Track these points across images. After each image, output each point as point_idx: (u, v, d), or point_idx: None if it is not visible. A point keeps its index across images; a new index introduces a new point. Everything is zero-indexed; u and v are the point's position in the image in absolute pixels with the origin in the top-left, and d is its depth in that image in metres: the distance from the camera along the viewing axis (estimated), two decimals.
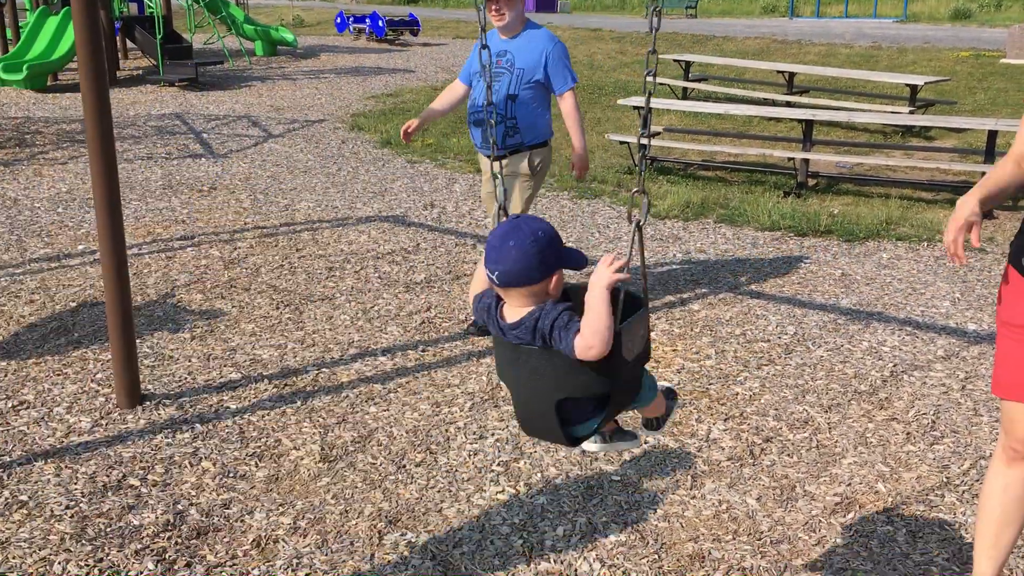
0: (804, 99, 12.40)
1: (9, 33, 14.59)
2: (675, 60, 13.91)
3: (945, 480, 3.28)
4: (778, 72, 13.08)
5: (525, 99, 4.46)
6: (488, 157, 4.05)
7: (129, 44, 16.56)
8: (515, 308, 1.98)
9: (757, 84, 14.08)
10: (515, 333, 1.97)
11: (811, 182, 8.28)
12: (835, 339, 4.55)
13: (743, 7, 35.34)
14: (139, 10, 16.41)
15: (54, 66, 12.99)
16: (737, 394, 3.95)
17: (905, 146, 10.11)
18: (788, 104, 12.05)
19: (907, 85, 11.32)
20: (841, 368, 4.21)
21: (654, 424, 2.51)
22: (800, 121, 8.59)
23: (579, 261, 2.05)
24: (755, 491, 3.21)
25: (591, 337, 1.83)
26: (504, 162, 4.41)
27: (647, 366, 2.28)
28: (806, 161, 8.16)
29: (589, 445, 2.37)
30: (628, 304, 2.03)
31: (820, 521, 3.03)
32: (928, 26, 25.30)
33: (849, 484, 3.25)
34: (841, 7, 31.69)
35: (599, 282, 1.84)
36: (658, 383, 2.43)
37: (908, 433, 3.61)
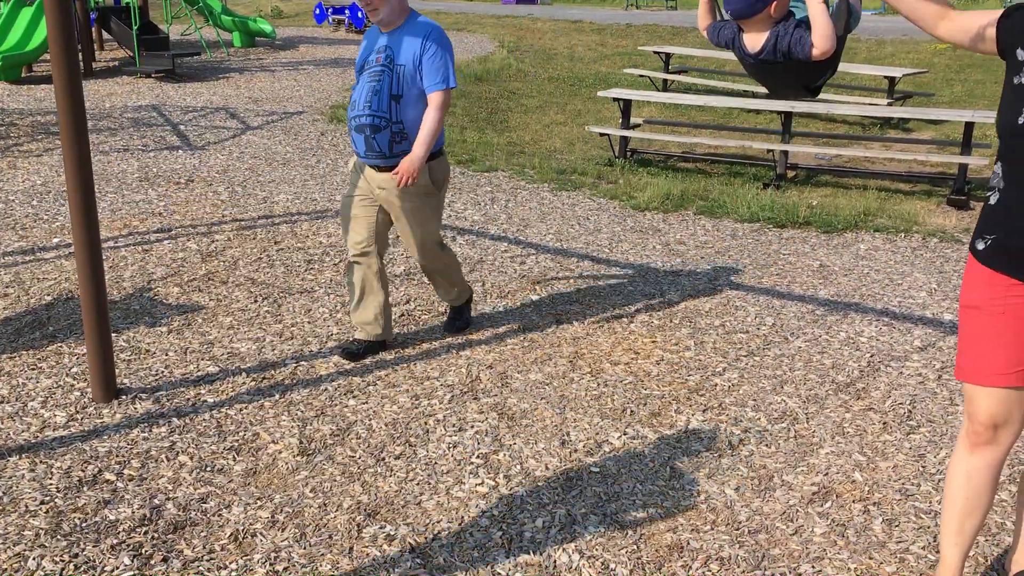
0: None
1: None
2: (655, 52, 13.91)
3: (921, 469, 3.30)
4: None
5: (411, 100, 3.87)
6: (375, 168, 3.94)
7: (105, 35, 16.39)
8: (754, 35, 2.83)
9: (737, 76, 14.11)
10: (761, 58, 2.81)
11: (790, 174, 8.32)
12: (813, 330, 4.57)
13: None
14: (115, 0, 16.24)
15: (28, 57, 12.83)
16: (716, 385, 3.96)
17: (883, 138, 10.17)
18: (768, 96, 12.10)
19: (885, 77, 11.39)
20: (819, 359, 4.23)
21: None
22: (779, 113, 8.62)
23: None
24: (733, 481, 3.22)
25: (824, 42, 2.65)
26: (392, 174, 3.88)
27: None
28: (785, 153, 8.20)
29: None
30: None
31: (797, 511, 3.05)
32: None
33: (826, 474, 3.27)
34: None
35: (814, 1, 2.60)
36: None
37: (885, 423, 3.63)
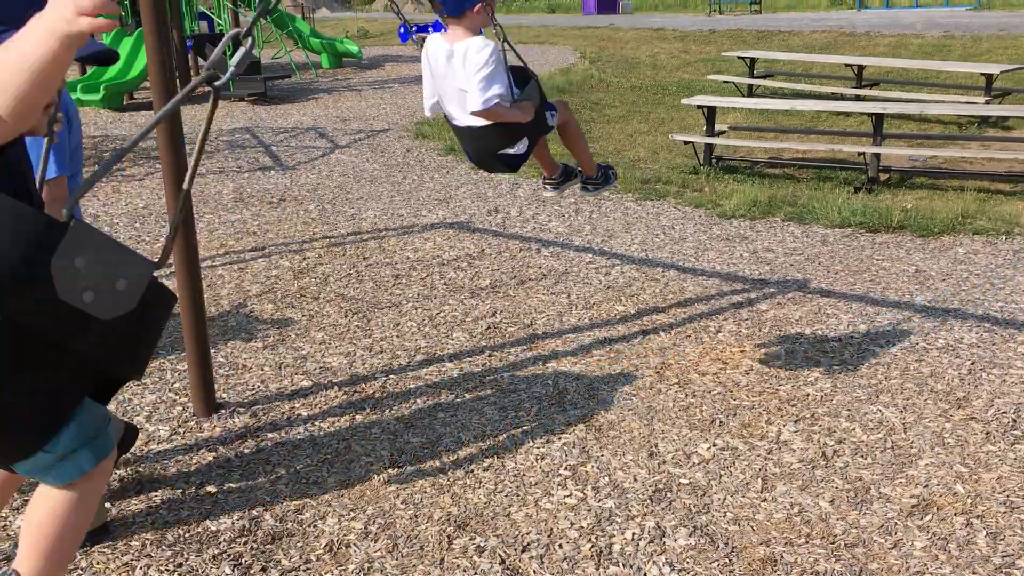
0: (874, 92, 12.15)
1: None
2: (739, 57, 13.73)
3: None
4: (846, 65, 12.83)
5: None
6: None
7: (200, 61, 17.00)
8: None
9: (825, 79, 13.82)
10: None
11: (883, 177, 8.11)
12: (910, 337, 4.44)
13: (809, 1, 34.72)
14: (209, 28, 16.86)
15: (129, 85, 13.41)
16: (808, 395, 3.89)
17: (981, 137, 9.82)
18: (857, 98, 11.82)
19: (982, 74, 11.00)
20: (916, 367, 4.11)
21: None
22: (870, 115, 8.41)
23: None
24: (828, 493, 3.15)
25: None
26: None
27: None
28: (877, 155, 7.99)
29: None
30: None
31: (896, 523, 2.97)
32: (1004, 13, 24.51)
33: (926, 486, 3.17)
34: None
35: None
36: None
37: (987, 433, 3.50)
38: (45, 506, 1.76)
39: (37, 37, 1.44)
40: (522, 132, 3.55)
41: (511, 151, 3.59)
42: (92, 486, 1.80)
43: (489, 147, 3.59)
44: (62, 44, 1.44)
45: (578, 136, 3.99)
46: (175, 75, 3.66)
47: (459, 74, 3.41)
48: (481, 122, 3.44)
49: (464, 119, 3.50)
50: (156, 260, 1.70)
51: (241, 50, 1.73)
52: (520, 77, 3.60)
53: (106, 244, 1.63)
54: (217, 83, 1.73)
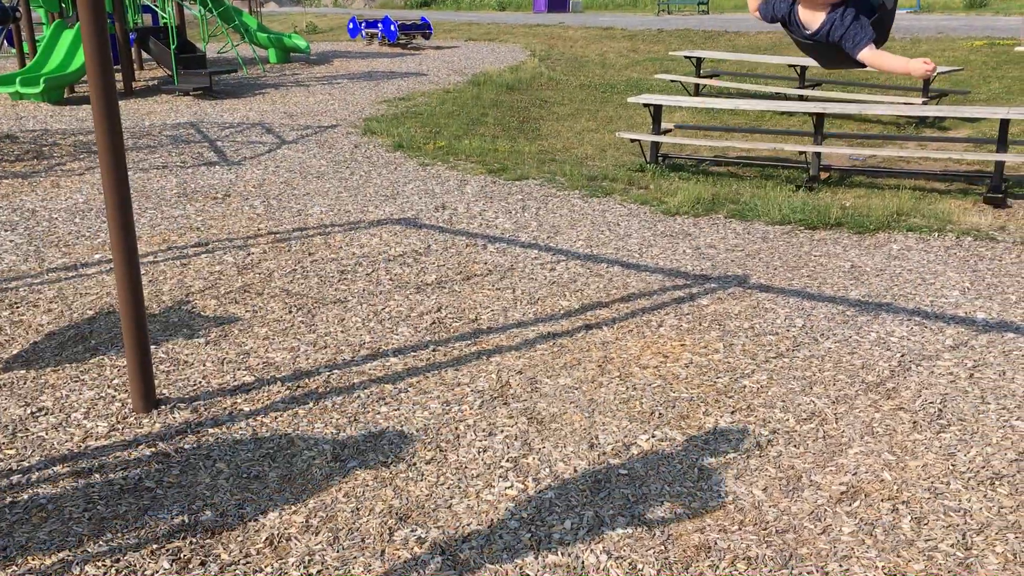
0: (816, 92, 12.38)
1: (26, 47, 14.78)
2: (686, 57, 13.90)
3: (951, 468, 3.29)
4: (790, 66, 13.05)
5: None
6: None
7: (144, 55, 16.73)
8: (810, 12, 2.80)
9: (769, 79, 14.06)
10: (816, 38, 2.77)
11: (823, 175, 8.28)
12: (843, 331, 4.56)
13: None
14: (153, 21, 16.59)
15: (70, 79, 13.15)
16: (745, 387, 3.98)
17: (918, 137, 10.07)
18: (800, 98, 12.04)
19: None
20: (849, 359, 4.23)
21: None
22: (811, 115, 8.59)
23: None
24: (761, 482, 3.24)
25: (872, 62, 2.70)
26: None
27: None
28: (818, 155, 8.16)
29: None
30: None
31: (826, 510, 3.06)
32: (943, 16, 25.13)
33: (855, 473, 3.27)
34: None
35: (910, 65, 2.67)
36: None
37: (915, 422, 3.62)
38: None
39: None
40: None
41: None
42: None
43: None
44: None
45: None
46: (113, 68, 3.62)
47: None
48: None
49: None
50: None
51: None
52: None
53: None
54: None
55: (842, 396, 3.87)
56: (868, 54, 2.77)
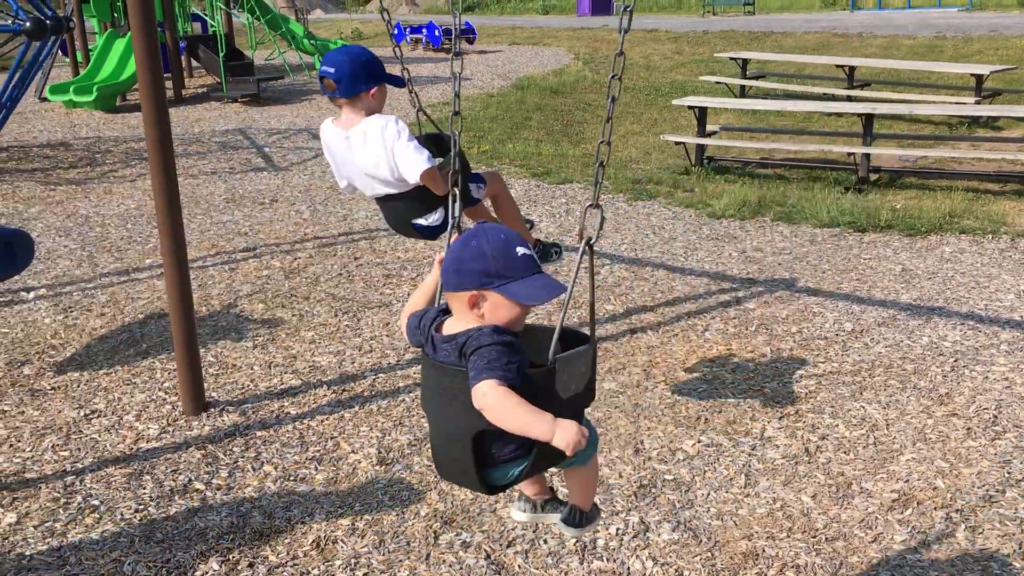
0: (865, 93, 12.19)
1: (79, 56, 15.11)
2: (732, 58, 13.78)
3: (1007, 476, 3.21)
4: (838, 66, 12.87)
5: None
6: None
7: (194, 63, 17.01)
8: (455, 323, 2.00)
9: (817, 80, 13.87)
10: (446, 348, 1.96)
11: (873, 177, 8.15)
12: (894, 335, 4.48)
13: (803, 1, 34.81)
14: (203, 29, 16.87)
15: (122, 87, 13.41)
16: (793, 392, 3.92)
17: (971, 137, 9.87)
18: (848, 98, 11.86)
19: (972, 75, 11.06)
20: (900, 364, 4.15)
21: (574, 519, 2.38)
22: (860, 115, 8.46)
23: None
24: (810, 488, 3.19)
25: (491, 411, 1.83)
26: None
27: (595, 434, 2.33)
28: (867, 156, 8.03)
29: (516, 512, 2.48)
30: (573, 339, 2.13)
31: (877, 518, 3.00)
32: (996, 14, 24.62)
33: (907, 481, 3.21)
34: None
35: (559, 430, 1.82)
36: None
37: (968, 429, 3.54)
38: (587, 471, 2.33)
39: (543, 425, 1.82)
40: (438, 202, 3.54)
41: (424, 222, 3.62)
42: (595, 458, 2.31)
43: (404, 216, 3.63)
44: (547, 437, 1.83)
45: (511, 207, 4.01)
46: (163, 77, 3.69)
47: (363, 154, 3.44)
48: (394, 190, 3.48)
49: (376, 190, 3.55)
50: (594, 342, 2.17)
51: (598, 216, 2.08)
52: (436, 144, 3.64)
53: (574, 357, 2.02)
54: (592, 242, 2.12)
55: (893, 401, 3.80)
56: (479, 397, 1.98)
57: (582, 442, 1.82)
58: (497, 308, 1.90)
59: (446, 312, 2.05)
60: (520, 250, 1.96)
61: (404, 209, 3.62)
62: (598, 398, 3.92)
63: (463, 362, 1.88)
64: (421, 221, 3.64)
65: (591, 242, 2.10)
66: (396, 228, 3.82)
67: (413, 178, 3.38)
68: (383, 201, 3.65)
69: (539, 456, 1.97)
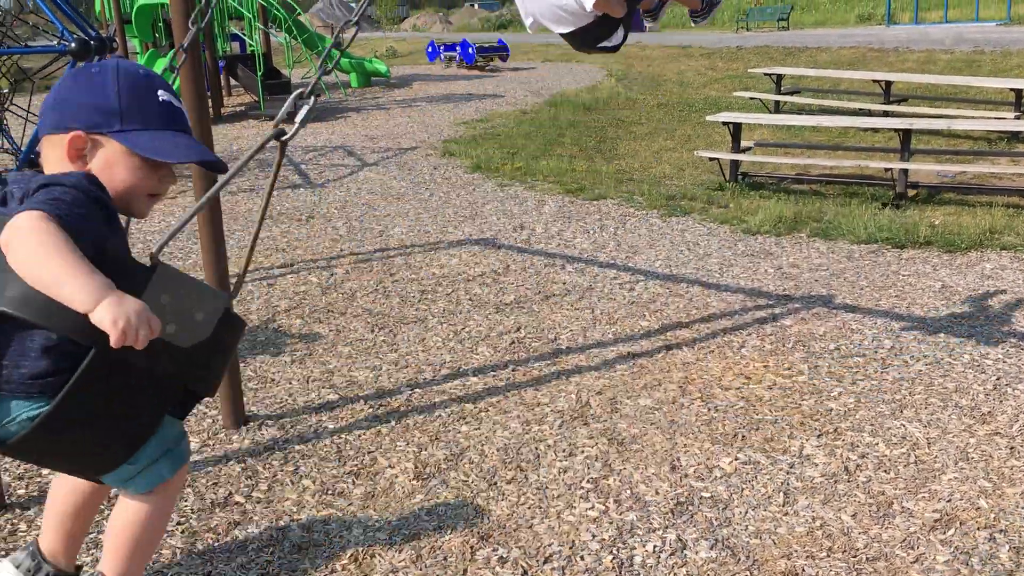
0: (902, 108, 12.10)
1: None
2: (766, 74, 13.75)
3: None
4: (874, 81, 12.79)
5: None
6: None
7: (232, 81, 17.28)
8: None
9: (852, 95, 13.79)
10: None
11: (911, 193, 8.08)
12: (935, 352, 4.43)
13: (837, 16, 34.64)
14: (241, 48, 17.14)
15: None
16: (831, 410, 3.89)
17: (1011, 152, 9.75)
18: (885, 114, 11.78)
19: (1012, 89, 10.94)
20: (941, 382, 4.10)
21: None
22: (897, 130, 8.39)
23: None
24: (850, 508, 3.16)
25: (16, 250, 1.27)
26: None
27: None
28: (904, 171, 7.97)
29: (4, 565, 2.04)
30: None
31: (919, 538, 2.96)
32: None
33: (949, 500, 3.17)
34: (940, 12, 30.76)
35: (108, 299, 1.34)
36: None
37: (1012, 448, 3.49)
38: (127, 512, 1.88)
39: (89, 285, 1.29)
40: (619, 22, 3.61)
41: (609, 44, 3.69)
42: (170, 492, 1.90)
43: (591, 41, 3.67)
44: (89, 304, 1.32)
45: None
46: (207, 95, 3.76)
47: None
48: (581, 23, 3.52)
49: (561, 26, 3.59)
50: (229, 293, 1.88)
51: (305, 108, 1.89)
52: None
53: (186, 282, 1.79)
54: (284, 138, 1.83)
55: (934, 420, 3.75)
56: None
57: (137, 335, 1.29)
58: (111, 165, 1.48)
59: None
60: (163, 95, 1.58)
61: (591, 36, 3.68)
62: (634, 414, 3.92)
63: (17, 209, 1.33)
64: (606, 43, 3.72)
65: (284, 137, 1.79)
66: (582, 51, 3.91)
67: (589, 6, 3.41)
68: (569, 35, 3.71)
69: (70, 399, 1.46)
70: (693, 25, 4.37)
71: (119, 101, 1.45)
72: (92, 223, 1.38)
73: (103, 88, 1.46)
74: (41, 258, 1.20)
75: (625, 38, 3.72)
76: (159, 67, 14.34)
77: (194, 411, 4.08)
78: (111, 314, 1.25)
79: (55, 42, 9.08)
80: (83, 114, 1.43)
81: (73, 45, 8.86)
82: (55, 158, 1.41)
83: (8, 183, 1.43)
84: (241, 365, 4.48)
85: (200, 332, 1.73)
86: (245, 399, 4.08)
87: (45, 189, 1.33)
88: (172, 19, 3.64)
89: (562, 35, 3.73)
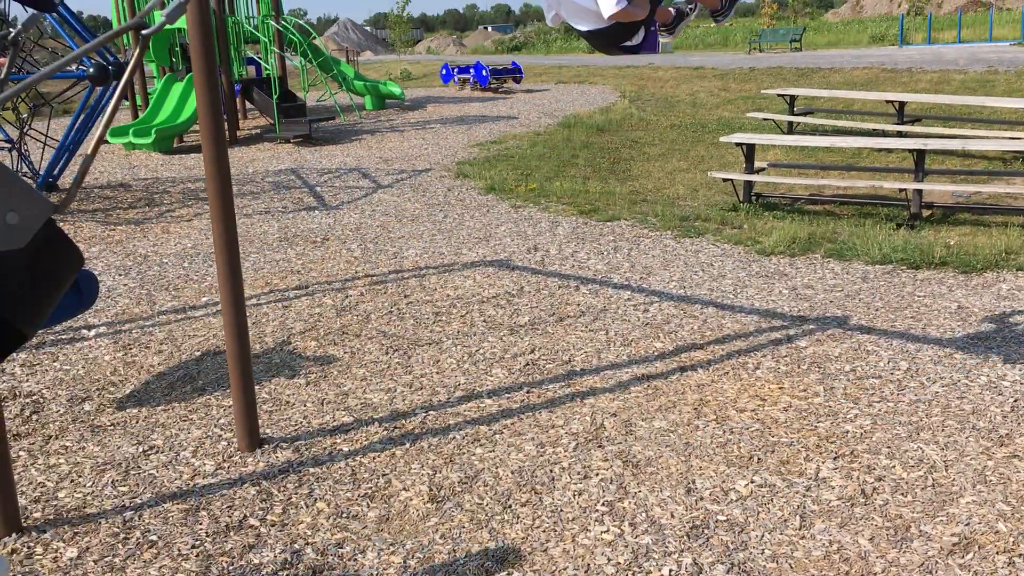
0: (916, 128, 12.08)
1: (139, 100, 15.57)
2: (779, 95, 13.76)
3: None
4: (887, 102, 12.79)
5: None
6: None
7: (248, 105, 17.42)
8: None
9: (866, 115, 13.78)
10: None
11: (926, 213, 8.05)
12: (951, 374, 4.40)
13: (850, 37, 34.69)
14: (257, 72, 17.30)
15: (180, 129, 13.77)
16: (847, 432, 3.87)
17: None
18: (899, 134, 11.76)
19: None
20: (958, 404, 4.07)
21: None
22: (911, 151, 8.38)
23: None
24: (867, 531, 3.13)
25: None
26: None
27: None
28: (919, 192, 7.95)
29: None
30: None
31: (937, 562, 2.94)
32: None
33: (968, 524, 3.14)
34: (954, 32, 30.77)
35: None
36: None
37: None
38: None
39: None
40: (639, 24, 3.70)
41: (630, 43, 3.79)
42: None
43: (613, 41, 3.77)
44: None
45: None
46: (223, 118, 3.80)
47: None
48: (603, 24, 3.62)
49: (585, 25, 3.69)
50: (56, 203, 1.57)
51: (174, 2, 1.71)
52: None
53: (3, 175, 1.50)
54: (145, 32, 1.68)
55: (952, 443, 3.72)
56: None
57: None
58: None
59: None
60: None
61: (612, 35, 3.75)
62: (649, 436, 3.91)
63: None
64: (628, 43, 3.81)
65: (145, 31, 1.70)
66: (604, 52, 3.99)
67: (606, 15, 3.51)
68: (589, 34, 3.78)
69: None
70: (714, 25, 4.45)
71: None
72: None
73: None
74: None
75: (647, 39, 3.78)
76: (176, 91, 14.49)
77: (209, 433, 4.10)
78: None
79: (74, 67, 9.20)
80: None
81: (91, 70, 8.98)
82: None
83: None
84: (256, 387, 4.50)
85: (12, 239, 1.50)
86: (260, 421, 4.10)
87: None
88: (190, 44, 3.68)
89: (583, 34, 3.81)
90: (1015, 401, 4.07)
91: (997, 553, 2.96)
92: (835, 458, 3.65)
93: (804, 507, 3.31)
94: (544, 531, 3.23)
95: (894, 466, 3.56)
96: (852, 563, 2.96)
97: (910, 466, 3.55)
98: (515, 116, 16.91)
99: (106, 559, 3.15)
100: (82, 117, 9.51)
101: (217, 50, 14.88)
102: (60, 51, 11.08)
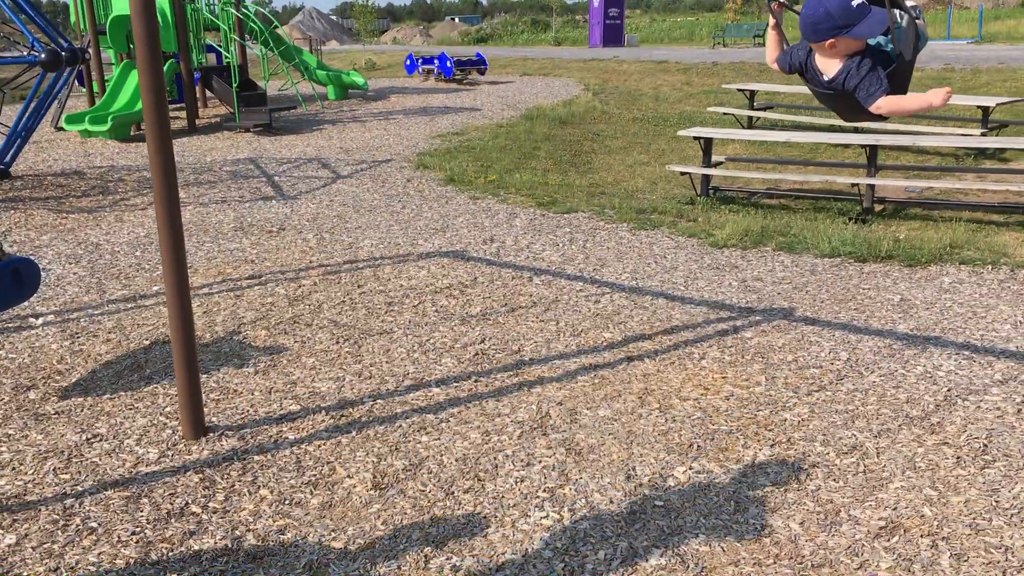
0: (872, 124, 12.27)
1: (96, 87, 15.36)
2: (740, 90, 13.89)
3: (994, 504, 3.23)
4: None
5: None
6: None
7: (208, 93, 17.25)
8: (827, 60, 2.90)
9: (824, 111, 13.95)
10: (832, 86, 2.85)
11: (878, 208, 8.19)
12: (889, 364, 4.51)
13: None
14: (217, 60, 17.13)
15: (136, 117, 13.61)
16: (785, 420, 3.95)
17: (977, 168, 9.91)
18: (855, 130, 11.94)
19: (978, 107, 11.12)
20: (894, 393, 4.17)
21: None
22: (864, 146, 8.52)
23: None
24: (799, 516, 3.21)
25: (888, 110, 2.76)
26: None
27: None
28: (871, 187, 8.08)
29: None
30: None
31: (863, 545, 3.02)
32: (1005, 46, 24.71)
33: (895, 508, 3.23)
34: None
35: (929, 97, 2.66)
36: None
37: (958, 457, 3.56)
38: None
39: None
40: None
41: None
42: None
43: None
44: None
45: None
46: (168, 106, 3.78)
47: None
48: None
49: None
50: None
51: None
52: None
53: None
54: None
55: (885, 430, 3.82)
56: (883, 103, 2.82)
57: None
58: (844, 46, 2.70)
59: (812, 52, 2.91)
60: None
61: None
62: (592, 424, 3.96)
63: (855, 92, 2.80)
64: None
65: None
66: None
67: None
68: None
69: None
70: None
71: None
72: None
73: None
74: None
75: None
76: (134, 79, 14.31)
77: (154, 421, 4.09)
78: None
79: (25, 52, 9.08)
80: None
81: (44, 56, 8.86)
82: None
83: None
84: (204, 376, 4.50)
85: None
86: (206, 410, 4.10)
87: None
88: (134, 31, 3.66)
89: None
90: (948, 390, 4.17)
91: (922, 536, 3.05)
92: (772, 445, 3.73)
93: (739, 493, 3.38)
94: (485, 517, 3.27)
95: (828, 453, 3.65)
96: (783, 546, 3.03)
97: (843, 453, 3.64)
98: (478, 108, 16.91)
99: (44, 546, 3.14)
100: (34, 103, 9.38)
101: (176, 37, 14.65)
102: (13, 37, 10.91)
